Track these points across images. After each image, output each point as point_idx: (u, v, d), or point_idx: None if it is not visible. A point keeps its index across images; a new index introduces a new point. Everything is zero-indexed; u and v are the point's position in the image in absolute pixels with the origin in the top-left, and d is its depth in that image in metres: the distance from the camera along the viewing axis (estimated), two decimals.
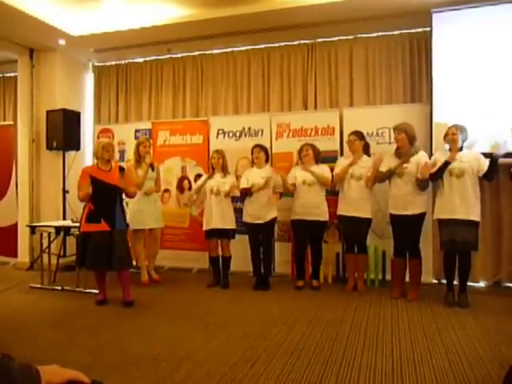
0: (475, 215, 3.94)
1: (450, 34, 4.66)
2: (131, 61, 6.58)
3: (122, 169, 4.26)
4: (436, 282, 4.85)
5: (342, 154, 4.98)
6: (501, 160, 4.12)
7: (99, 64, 6.76)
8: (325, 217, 4.63)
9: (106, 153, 4.10)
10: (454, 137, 4.00)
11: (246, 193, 4.67)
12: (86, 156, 6.35)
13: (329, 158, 4.83)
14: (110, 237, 3.98)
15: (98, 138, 6.02)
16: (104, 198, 4.03)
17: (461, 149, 4.02)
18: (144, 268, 5.06)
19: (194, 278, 5.38)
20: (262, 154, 4.76)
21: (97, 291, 4.29)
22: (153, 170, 4.92)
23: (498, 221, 4.84)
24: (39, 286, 4.89)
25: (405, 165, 4.16)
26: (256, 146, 4.84)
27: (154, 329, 3.45)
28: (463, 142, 4.04)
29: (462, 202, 3.92)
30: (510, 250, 4.73)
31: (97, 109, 6.78)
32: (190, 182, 5.68)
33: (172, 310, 4.00)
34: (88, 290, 4.58)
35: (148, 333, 3.35)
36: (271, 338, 3.19)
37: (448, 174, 3.99)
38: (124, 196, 4.31)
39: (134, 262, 5.40)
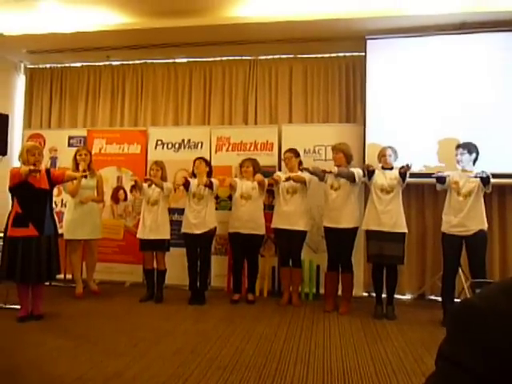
0: (402, 227, 4.20)
1: (382, 59, 4.96)
2: (67, 65, 6.32)
3: (48, 171, 4.10)
4: (366, 295, 5.05)
5: (280, 170, 5.08)
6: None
7: (32, 66, 6.43)
8: (261, 231, 4.68)
9: (31, 156, 3.93)
10: (386, 158, 4.29)
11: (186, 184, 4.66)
12: (13, 161, 5.95)
13: (267, 174, 4.89)
14: (37, 245, 3.84)
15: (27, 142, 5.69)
16: (32, 201, 3.90)
17: (391, 168, 4.30)
18: (79, 280, 4.89)
19: (126, 291, 5.19)
20: (204, 167, 4.73)
21: (18, 307, 4.01)
22: (85, 177, 4.71)
23: (422, 236, 5.14)
24: None
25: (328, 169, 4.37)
26: (198, 158, 4.81)
27: (80, 346, 3.27)
28: (394, 161, 4.32)
29: (389, 216, 4.17)
30: (433, 264, 5.03)
31: (27, 113, 6.43)
32: (125, 193, 5.51)
33: (101, 325, 3.83)
34: (8, 306, 4.25)
35: (73, 351, 3.17)
36: (204, 354, 3.15)
37: (379, 190, 4.23)
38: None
39: (69, 275, 5.18)
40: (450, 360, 0.56)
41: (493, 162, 4.31)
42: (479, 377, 0.52)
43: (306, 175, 4.53)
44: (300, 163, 4.71)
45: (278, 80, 5.73)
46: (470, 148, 4.08)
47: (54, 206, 4.75)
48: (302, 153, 4.85)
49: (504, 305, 0.53)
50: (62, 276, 5.00)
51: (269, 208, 4.86)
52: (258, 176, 4.63)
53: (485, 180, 3.93)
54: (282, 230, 4.60)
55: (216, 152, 5.37)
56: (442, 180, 4.15)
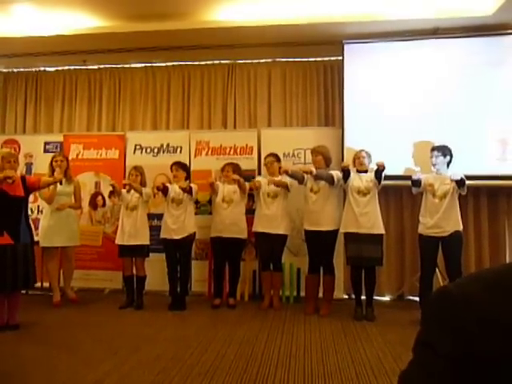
0: (379, 229, 4.26)
1: (360, 63, 5.03)
2: (43, 69, 6.22)
3: (23, 178, 4.03)
4: (346, 297, 5.09)
5: (259, 174, 5.09)
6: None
7: (6, 70, 6.29)
8: (244, 234, 4.68)
9: (6, 163, 3.87)
10: (361, 160, 4.35)
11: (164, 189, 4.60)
12: None
13: (247, 178, 4.90)
14: (13, 253, 3.75)
15: (2, 148, 5.56)
16: (7, 209, 3.81)
17: (366, 171, 4.37)
18: (56, 288, 4.79)
19: (105, 298, 5.11)
20: (181, 172, 4.71)
21: None
22: (60, 183, 4.62)
23: (401, 238, 5.22)
24: None
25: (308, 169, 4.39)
26: (175, 163, 4.78)
27: (59, 356, 3.20)
28: (369, 165, 4.38)
29: (367, 218, 4.23)
30: (411, 265, 5.11)
31: (1, 118, 6.29)
32: (103, 198, 5.43)
33: (80, 334, 3.76)
34: None
35: (51, 361, 3.11)
36: (185, 360, 3.12)
37: (356, 193, 4.28)
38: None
39: (46, 284, 5.06)
40: (424, 344, 0.58)
41: (468, 164, 4.42)
42: (451, 359, 0.54)
43: (287, 179, 4.55)
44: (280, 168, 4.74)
45: (257, 84, 5.75)
46: (445, 151, 4.17)
47: (29, 212, 4.66)
48: (281, 156, 4.87)
49: (477, 291, 0.55)
50: (38, 284, 4.88)
51: (250, 212, 4.86)
52: (235, 175, 4.60)
53: (459, 182, 4.02)
54: (262, 233, 4.61)
55: (195, 156, 5.35)
56: (417, 184, 4.23)
